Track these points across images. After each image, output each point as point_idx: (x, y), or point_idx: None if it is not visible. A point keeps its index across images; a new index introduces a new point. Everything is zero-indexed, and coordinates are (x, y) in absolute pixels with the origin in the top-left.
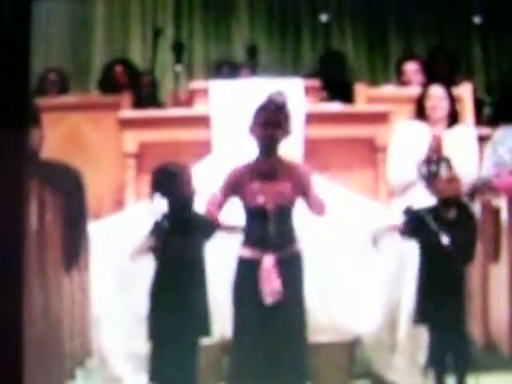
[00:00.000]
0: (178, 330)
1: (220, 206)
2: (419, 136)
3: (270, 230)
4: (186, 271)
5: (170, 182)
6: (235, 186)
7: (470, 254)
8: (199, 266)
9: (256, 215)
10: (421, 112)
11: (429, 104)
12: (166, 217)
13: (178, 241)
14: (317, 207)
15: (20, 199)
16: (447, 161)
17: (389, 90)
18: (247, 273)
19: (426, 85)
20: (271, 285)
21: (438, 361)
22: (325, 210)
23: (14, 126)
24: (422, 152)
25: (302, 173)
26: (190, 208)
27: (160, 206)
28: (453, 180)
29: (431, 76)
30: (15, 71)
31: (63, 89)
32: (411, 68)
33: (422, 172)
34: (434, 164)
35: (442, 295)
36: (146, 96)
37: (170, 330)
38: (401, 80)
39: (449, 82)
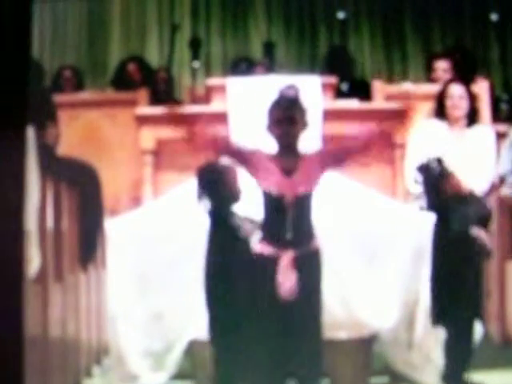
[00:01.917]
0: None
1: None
2: (438, 135)
3: (287, 225)
4: (233, 269)
5: (217, 180)
6: (251, 160)
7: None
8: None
9: (274, 207)
10: (441, 111)
11: (449, 103)
12: (210, 214)
13: (226, 239)
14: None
15: (22, 197)
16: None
17: (408, 87)
18: (264, 270)
19: (446, 83)
20: (288, 282)
21: (453, 358)
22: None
23: (15, 126)
24: (440, 151)
25: (321, 150)
26: (234, 205)
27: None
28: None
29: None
30: (16, 70)
31: (78, 85)
32: (442, 66)
33: (433, 171)
34: (437, 162)
35: (459, 294)
36: (163, 93)
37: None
38: (430, 77)
39: (468, 80)
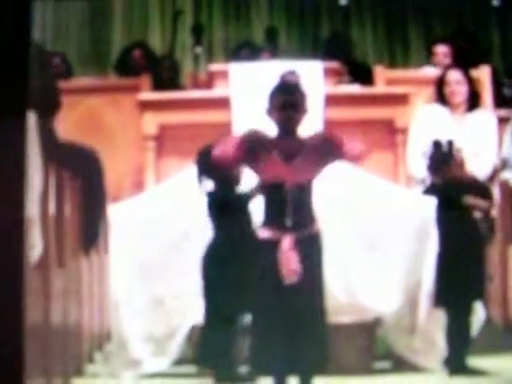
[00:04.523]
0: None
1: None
2: (440, 120)
3: (287, 211)
4: (236, 249)
5: None
6: (252, 150)
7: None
8: (248, 243)
9: (274, 195)
10: (440, 97)
11: (447, 90)
12: (211, 196)
13: (225, 220)
14: (354, 153)
15: (22, 184)
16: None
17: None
18: (266, 254)
19: (444, 69)
20: (290, 266)
21: (454, 342)
22: (363, 152)
23: (15, 112)
24: (441, 136)
25: (322, 138)
26: (235, 187)
27: (207, 185)
28: (463, 161)
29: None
30: (15, 67)
31: (67, 72)
32: (443, 51)
33: (438, 154)
34: (446, 146)
35: (462, 277)
36: (166, 78)
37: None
38: (431, 61)
39: (468, 65)
